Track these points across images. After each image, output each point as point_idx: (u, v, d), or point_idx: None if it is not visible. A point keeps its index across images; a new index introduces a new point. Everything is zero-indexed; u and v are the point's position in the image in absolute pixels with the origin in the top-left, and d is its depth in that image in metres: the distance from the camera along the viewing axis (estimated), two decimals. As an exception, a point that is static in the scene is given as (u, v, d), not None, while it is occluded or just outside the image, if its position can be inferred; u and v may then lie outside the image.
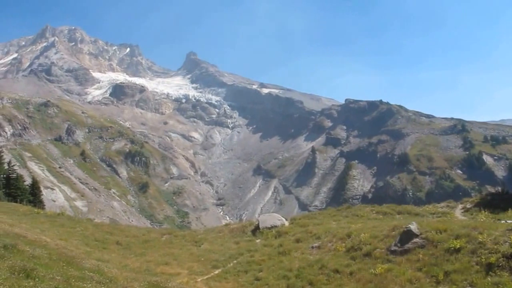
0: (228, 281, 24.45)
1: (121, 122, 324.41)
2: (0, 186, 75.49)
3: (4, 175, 79.93)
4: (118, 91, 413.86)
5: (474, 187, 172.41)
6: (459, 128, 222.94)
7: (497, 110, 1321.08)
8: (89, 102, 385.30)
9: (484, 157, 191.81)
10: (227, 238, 34.28)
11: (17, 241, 19.51)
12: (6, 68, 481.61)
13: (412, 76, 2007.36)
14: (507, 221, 24.30)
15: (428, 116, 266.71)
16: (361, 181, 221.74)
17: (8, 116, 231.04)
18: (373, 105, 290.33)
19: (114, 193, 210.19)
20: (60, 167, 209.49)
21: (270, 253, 27.71)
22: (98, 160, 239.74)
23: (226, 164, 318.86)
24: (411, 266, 20.32)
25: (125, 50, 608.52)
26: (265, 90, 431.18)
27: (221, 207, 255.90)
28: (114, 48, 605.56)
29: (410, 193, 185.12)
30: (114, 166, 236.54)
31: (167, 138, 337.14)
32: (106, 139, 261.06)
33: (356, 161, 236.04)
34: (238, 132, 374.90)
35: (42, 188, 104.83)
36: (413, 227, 22.49)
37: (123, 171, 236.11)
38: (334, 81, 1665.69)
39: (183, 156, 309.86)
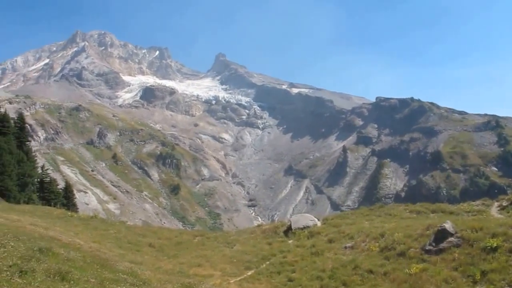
0: (261, 282, 24.32)
1: (151, 124, 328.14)
2: (34, 190, 77.00)
3: (38, 179, 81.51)
4: (148, 94, 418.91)
5: (510, 185, 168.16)
6: (493, 124, 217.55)
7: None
8: (119, 106, 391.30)
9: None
10: (260, 239, 34.16)
11: (52, 244, 19.78)
12: (38, 73, 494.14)
13: (443, 72, 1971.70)
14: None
15: (460, 112, 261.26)
16: (394, 179, 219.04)
17: (41, 121, 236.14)
18: (404, 102, 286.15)
19: (146, 195, 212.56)
20: (92, 170, 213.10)
21: (303, 253, 27.48)
22: (130, 162, 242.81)
23: (257, 165, 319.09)
24: (447, 265, 19.85)
25: (155, 53, 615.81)
26: (295, 90, 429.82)
27: (252, 208, 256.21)
28: (143, 51, 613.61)
29: (444, 191, 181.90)
30: (146, 168, 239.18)
31: (198, 140, 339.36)
32: (137, 141, 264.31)
33: (388, 159, 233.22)
34: (269, 132, 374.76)
35: (75, 192, 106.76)
36: (448, 226, 21.96)
37: (155, 173, 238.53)
38: (364, 79, 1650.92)
39: (214, 157, 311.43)
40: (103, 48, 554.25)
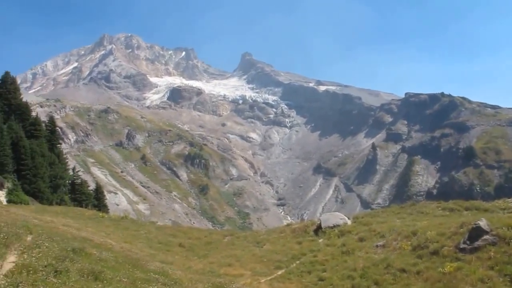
0: (291, 282, 24.19)
1: (179, 125, 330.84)
2: (66, 191, 78.44)
3: (70, 181, 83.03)
4: (176, 95, 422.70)
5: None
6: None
7: None
8: (147, 107, 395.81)
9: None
10: (289, 239, 34.00)
11: (85, 245, 20.07)
12: (67, 77, 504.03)
13: (474, 66, 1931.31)
14: None
15: (493, 107, 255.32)
16: (425, 176, 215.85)
17: (71, 124, 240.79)
18: (434, 98, 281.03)
19: (175, 195, 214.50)
20: (122, 172, 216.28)
21: (333, 252, 27.22)
22: (159, 163, 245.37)
23: (285, 163, 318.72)
24: (482, 264, 19.32)
25: (181, 54, 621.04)
26: (322, 88, 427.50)
27: (282, 207, 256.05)
28: (169, 52, 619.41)
29: (478, 188, 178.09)
30: (174, 169, 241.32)
31: (226, 139, 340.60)
32: (165, 142, 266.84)
33: (419, 156, 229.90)
34: (297, 131, 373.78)
35: (105, 193, 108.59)
36: (483, 223, 21.40)
37: (183, 174, 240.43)
38: (393, 75, 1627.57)
39: (242, 157, 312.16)
40: (130, 50, 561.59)
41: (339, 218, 34.55)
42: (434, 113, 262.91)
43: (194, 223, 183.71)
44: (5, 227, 18.61)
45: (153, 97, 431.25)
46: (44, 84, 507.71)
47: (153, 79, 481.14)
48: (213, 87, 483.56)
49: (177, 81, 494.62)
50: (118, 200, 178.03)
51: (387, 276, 21.25)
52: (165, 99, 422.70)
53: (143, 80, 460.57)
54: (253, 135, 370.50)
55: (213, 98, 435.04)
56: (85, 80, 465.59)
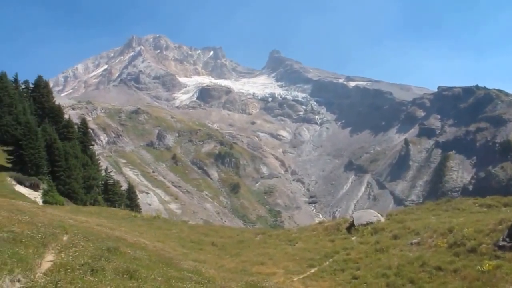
0: (325, 280, 24.05)
1: (209, 124, 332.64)
2: (99, 191, 79.86)
3: (102, 181, 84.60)
4: (205, 94, 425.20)
5: None
6: None
7: None
8: (177, 107, 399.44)
9: None
10: (322, 236, 33.83)
11: (119, 244, 20.33)
12: (98, 79, 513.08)
13: (510, 58, 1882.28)
14: None
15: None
16: (460, 172, 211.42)
17: (102, 125, 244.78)
18: (468, 91, 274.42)
19: (206, 194, 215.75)
20: (153, 172, 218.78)
21: (367, 250, 26.95)
22: (189, 163, 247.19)
23: (316, 161, 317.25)
24: (523, 262, 18.79)
25: (209, 53, 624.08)
26: (352, 83, 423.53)
27: (313, 205, 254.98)
28: (198, 52, 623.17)
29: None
30: (205, 168, 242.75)
31: (256, 138, 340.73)
32: (195, 142, 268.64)
33: (454, 151, 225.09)
34: (327, 128, 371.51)
35: (137, 193, 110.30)
36: (523, 219, 20.84)
37: (214, 173, 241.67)
38: (424, 68, 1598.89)
39: (273, 155, 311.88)
40: (158, 51, 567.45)
41: (372, 215, 34.21)
42: (469, 107, 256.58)
43: (225, 222, 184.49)
44: (42, 227, 19.01)
45: (183, 97, 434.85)
46: (76, 87, 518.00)
47: (182, 79, 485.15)
48: (242, 86, 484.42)
49: (206, 80, 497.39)
50: (150, 200, 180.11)
51: (423, 274, 20.91)
52: (194, 98, 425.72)
53: (172, 80, 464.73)
54: (283, 133, 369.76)
55: (242, 97, 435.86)
56: (115, 82, 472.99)
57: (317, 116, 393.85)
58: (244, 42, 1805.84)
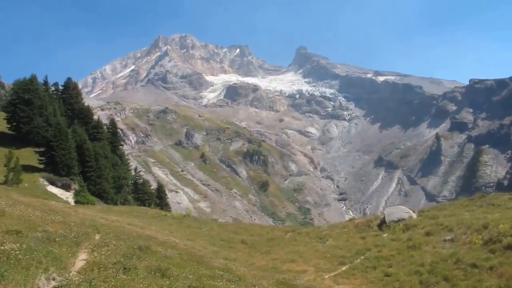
0: (356, 278, 23.83)
1: (237, 122, 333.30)
2: (129, 191, 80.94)
3: (132, 181, 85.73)
4: (232, 92, 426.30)
5: None
6: None
7: None
8: (204, 106, 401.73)
9: None
10: (352, 234, 33.49)
11: (150, 243, 20.52)
12: (125, 80, 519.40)
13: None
14: None
15: None
16: (494, 167, 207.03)
17: (131, 125, 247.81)
18: (502, 83, 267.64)
19: (235, 193, 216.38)
20: (182, 171, 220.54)
21: (398, 247, 26.55)
22: (218, 161, 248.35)
23: (345, 157, 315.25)
24: (562, 259, 18.24)
25: (235, 51, 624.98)
26: (380, 78, 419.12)
27: (343, 202, 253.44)
28: (224, 50, 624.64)
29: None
30: (234, 166, 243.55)
31: (284, 135, 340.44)
32: (223, 140, 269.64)
33: (487, 145, 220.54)
34: (356, 123, 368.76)
35: (167, 192, 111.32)
36: (562, 215, 20.22)
37: (243, 171, 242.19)
38: (455, 61, 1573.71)
39: (301, 152, 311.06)
40: (184, 50, 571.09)
41: (403, 211, 33.69)
42: (502, 100, 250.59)
43: (255, 219, 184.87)
44: (75, 226, 19.31)
45: (210, 96, 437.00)
46: (104, 88, 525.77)
47: (209, 78, 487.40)
48: (269, 83, 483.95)
49: (233, 78, 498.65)
50: (180, 199, 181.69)
51: (457, 271, 20.46)
52: (221, 97, 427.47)
53: (199, 79, 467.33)
54: (311, 129, 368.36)
55: (270, 94, 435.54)
56: (142, 82, 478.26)
57: (345, 112, 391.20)
58: (270, 39, 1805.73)
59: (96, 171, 68.95)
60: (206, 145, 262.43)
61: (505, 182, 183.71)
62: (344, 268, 25.86)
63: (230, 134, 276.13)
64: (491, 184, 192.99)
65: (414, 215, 33.03)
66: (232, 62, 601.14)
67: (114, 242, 17.66)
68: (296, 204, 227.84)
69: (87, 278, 11.01)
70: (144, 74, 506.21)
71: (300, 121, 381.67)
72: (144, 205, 69.90)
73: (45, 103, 78.55)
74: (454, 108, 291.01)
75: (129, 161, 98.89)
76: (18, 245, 12.11)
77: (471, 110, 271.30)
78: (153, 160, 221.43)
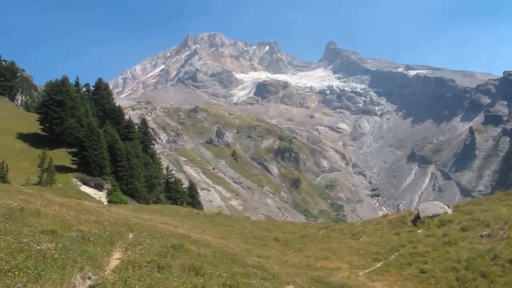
0: (391, 274, 23.56)
1: (267, 120, 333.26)
2: (161, 190, 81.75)
3: (164, 180, 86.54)
4: (262, 90, 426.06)
5: None
6: None
7: None
8: (235, 103, 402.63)
9: None
10: (386, 230, 33.06)
11: (183, 241, 20.66)
12: (155, 79, 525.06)
13: None
14: None
15: None
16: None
17: (162, 125, 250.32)
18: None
19: (267, 190, 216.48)
20: (213, 169, 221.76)
21: (434, 243, 26.11)
22: (249, 159, 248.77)
23: (377, 153, 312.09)
24: None
25: (264, 48, 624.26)
26: (412, 72, 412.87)
27: (376, 198, 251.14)
28: (253, 47, 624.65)
29: None
30: (265, 163, 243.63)
31: (315, 131, 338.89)
32: (254, 137, 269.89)
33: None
34: (387, 118, 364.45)
35: (198, 190, 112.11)
36: None
37: (274, 168, 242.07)
38: (488, 53, 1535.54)
39: (333, 148, 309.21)
40: (214, 48, 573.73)
41: (438, 207, 33.09)
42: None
43: (287, 217, 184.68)
44: (109, 226, 19.58)
45: (240, 93, 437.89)
46: (134, 88, 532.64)
47: (238, 76, 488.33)
48: (299, 79, 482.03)
49: (263, 75, 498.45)
50: (211, 197, 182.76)
51: (495, 267, 20.02)
52: (251, 94, 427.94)
53: (229, 77, 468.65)
54: (342, 125, 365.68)
55: (300, 91, 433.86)
56: (172, 81, 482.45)
57: (377, 107, 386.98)
58: (300, 35, 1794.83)
59: (128, 170, 69.83)
60: (237, 143, 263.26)
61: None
62: (378, 265, 25.60)
63: (261, 132, 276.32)
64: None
65: (449, 211, 32.43)
66: (262, 59, 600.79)
67: (148, 241, 17.85)
68: (328, 200, 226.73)
69: (122, 276, 11.15)
70: (174, 73, 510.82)
71: (331, 117, 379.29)
72: (176, 204, 70.41)
73: (77, 104, 79.93)
74: (488, 101, 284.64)
75: (160, 160, 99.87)
76: (53, 244, 12.35)
77: (505, 102, 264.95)
78: (184, 159, 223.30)
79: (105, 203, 52.72)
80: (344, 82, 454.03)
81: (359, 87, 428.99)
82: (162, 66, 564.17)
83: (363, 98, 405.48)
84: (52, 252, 11.53)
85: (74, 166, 65.84)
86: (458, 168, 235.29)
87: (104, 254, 13.66)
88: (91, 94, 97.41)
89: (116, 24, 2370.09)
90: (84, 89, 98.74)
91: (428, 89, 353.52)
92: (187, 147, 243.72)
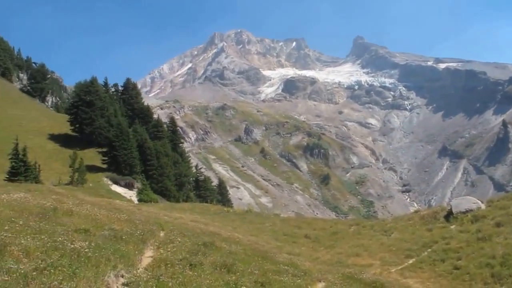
0: (424, 271, 23.31)
1: (296, 116, 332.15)
2: (190, 188, 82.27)
3: (193, 178, 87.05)
4: (290, 86, 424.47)
5: None
6: None
7: None
8: (262, 101, 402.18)
9: None
10: (418, 226, 32.64)
11: (214, 239, 20.80)
12: (183, 78, 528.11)
13: None
14: None
15: None
16: None
17: (190, 123, 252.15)
18: None
19: (296, 187, 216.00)
20: (242, 166, 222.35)
21: (467, 239, 25.68)
22: (278, 156, 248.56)
23: (408, 148, 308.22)
24: None
25: (291, 44, 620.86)
26: (441, 65, 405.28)
27: (407, 194, 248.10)
28: (280, 44, 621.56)
29: None
30: (294, 160, 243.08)
31: (344, 127, 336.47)
32: (283, 134, 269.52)
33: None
34: (417, 113, 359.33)
35: (228, 188, 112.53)
36: None
37: (303, 165, 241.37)
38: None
39: (362, 144, 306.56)
40: (241, 46, 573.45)
41: (471, 202, 32.50)
42: None
43: (317, 213, 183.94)
44: (140, 224, 19.83)
45: (268, 90, 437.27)
46: (162, 87, 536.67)
47: (266, 72, 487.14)
48: (326, 75, 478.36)
49: (290, 72, 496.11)
50: (241, 195, 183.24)
51: (532, 263, 19.57)
52: (279, 91, 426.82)
53: (256, 74, 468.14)
54: (372, 120, 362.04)
55: (328, 86, 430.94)
56: (200, 79, 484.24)
57: (406, 102, 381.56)
58: (326, 30, 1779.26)
59: (157, 169, 70.56)
60: (265, 140, 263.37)
61: None
62: (411, 262, 25.36)
63: (290, 128, 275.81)
64: None
65: (483, 206, 31.81)
66: (289, 55, 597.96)
67: (179, 239, 18.02)
68: (358, 197, 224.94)
69: (154, 274, 11.27)
70: (202, 72, 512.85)
71: (360, 113, 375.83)
72: (206, 202, 70.71)
73: (106, 104, 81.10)
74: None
75: (189, 158, 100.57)
76: (87, 243, 12.57)
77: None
78: (213, 157, 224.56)
79: (136, 202, 53.42)
80: (373, 77, 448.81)
81: (388, 81, 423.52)
82: (190, 65, 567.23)
83: (392, 93, 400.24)
84: (86, 250, 11.71)
85: (105, 166, 66.81)
86: (491, 162, 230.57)
87: (136, 252, 13.83)
88: (119, 94, 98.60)
89: (142, 24, 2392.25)
90: (113, 89, 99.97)
91: (459, 82, 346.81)
92: (216, 145, 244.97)
